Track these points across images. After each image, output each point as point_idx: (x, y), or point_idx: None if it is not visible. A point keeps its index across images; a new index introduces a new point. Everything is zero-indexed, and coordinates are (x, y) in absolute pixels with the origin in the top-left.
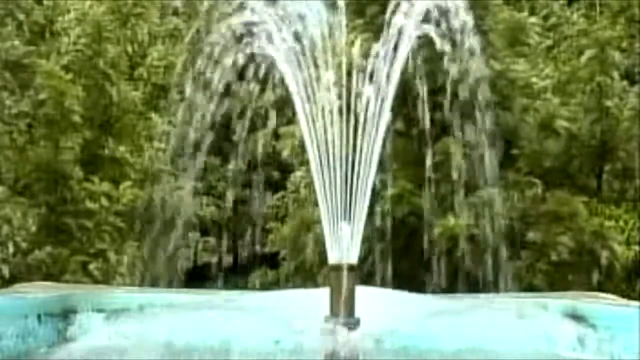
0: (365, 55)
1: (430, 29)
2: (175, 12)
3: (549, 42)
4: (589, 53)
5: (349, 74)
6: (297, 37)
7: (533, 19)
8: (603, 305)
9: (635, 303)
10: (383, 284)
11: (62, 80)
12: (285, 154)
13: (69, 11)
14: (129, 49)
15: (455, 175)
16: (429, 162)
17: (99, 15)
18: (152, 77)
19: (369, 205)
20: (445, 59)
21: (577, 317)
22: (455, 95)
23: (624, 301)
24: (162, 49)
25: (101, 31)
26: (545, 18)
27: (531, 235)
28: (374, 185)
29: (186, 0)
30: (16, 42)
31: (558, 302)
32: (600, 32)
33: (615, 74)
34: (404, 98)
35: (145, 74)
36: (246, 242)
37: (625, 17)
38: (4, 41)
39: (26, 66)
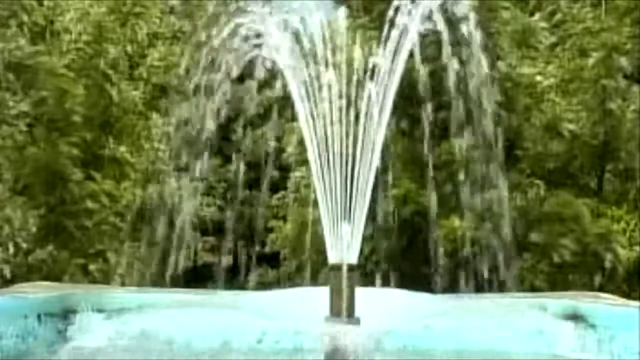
0: (368, 54)
1: (434, 28)
2: (173, 12)
3: (554, 39)
4: (596, 56)
5: (351, 73)
6: (298, 36)
7: (543, 24)
8: (603, 305)
9: (635, 303)
10: (386, 284)
11: (64, 79)
12: (289, 150)
13: (68, 11)
14: (129, 48)
15: (459, 176)
16: (433, 162)
17: (99, 15)
18: (152, 77)
19: (373, 205)
20: (450, 58)
21: (577, 317)
22: (459, 95)
23: (624, 301)
24: (162, 49)
25: (101, 31)
26: (551, 14)
27: (533, 237)
28: (378, 185)
29: (185, 0)
30: (21, 42)
31: (558, 302)
32: (606, 33)
33: (620, 77)
34: (409, 98)
35: (145, 74)
36: (246, 242)
37: (631, 19)
38: (8, 42)
39: (29, 66)
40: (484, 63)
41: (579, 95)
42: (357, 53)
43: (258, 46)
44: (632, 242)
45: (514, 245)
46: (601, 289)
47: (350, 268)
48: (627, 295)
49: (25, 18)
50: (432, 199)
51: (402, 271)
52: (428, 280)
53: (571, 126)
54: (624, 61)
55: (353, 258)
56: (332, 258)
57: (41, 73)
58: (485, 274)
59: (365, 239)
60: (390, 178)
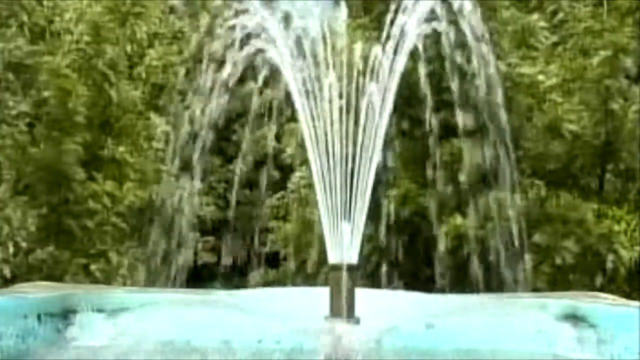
0: (368, 54)
1: (434, 28)
2: (173, 11)
3: (555, 39)
4: (603, 54)
5: (351, 73)
6: (298, 36)
7: (542, 23)
8: (603, 305)
9: (635, 303)
10: (387, 284)
11: (66, 79)
12: (289, 150)
13: (67, 11)
14: (128, 48)
15: (460, 176)
16: (434, 162)
17: (97, 14)
18: (152, 77)
19: (374, 205)
20: (451, 58)
21: (577, 317)
22: (460, 95)
23: (624, 301)
24: (161, 49)
25: (100, 31)
26: (553, 14)
27: (535, 238)
28: (379, 185)
29: (186, 0)
30: (21, 42)
31: (558, 302)
32: (610, 33)
33: (622, 78)
34: (409, 98)
35: (144, 74)
36: (246, 242)
37: (633, 19)
38: (8, 42)
39: (29, 66)
40: (487, 62)
41: (581, 96)
42: (357, 53)
43: (258, 46)
44: (632, 243)
45: (516, 246)
46: (602, 289)
47: (350, 268)
48: (628, 296)
49: (25, 18)
50: (433, 199)
51: (402, 271)
52: (428, 280)
53: (572, 126)
54: (629, 62)
55: (353, 258)
56: (332, 258)
57: (42, 73)
58: (486, 274)
59: (365, 239)
60: (390, 178)
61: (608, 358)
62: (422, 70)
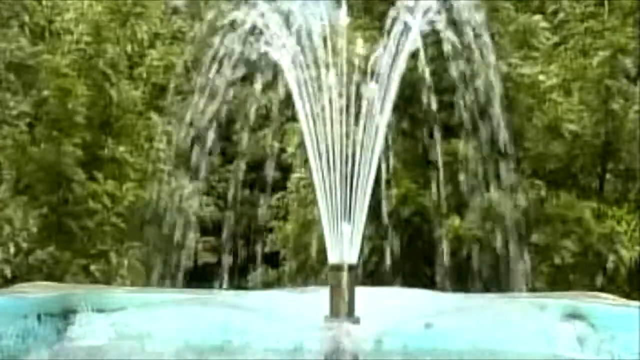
0: (368, 53)
1: (435, 28)
2: (175, 12)
3: (556, 39)
4: (602, 55)
5: (351, 73)
6: (299, 36)
7: (543, 23)
8: (603, 305)
9: (635, 303)
10: (387, 283)
11: (66, 79)
12: (289, 150)
13: (67, 10)
14: (129, 48)
15: (461, 176)
16: (434, 162)
17: (97, 14)
18: (152, 77)
19: (374, 205)
20: (452, 58)
21: (577, 317)
22: (461, 95)
23: (624, 301)
24: (161, 49)
25: (100, 31)
26: (554, 14)
27: (535, 238)
28: (380, 184)
29: (187, 0)
30: (22, 42)
31: (558, 302)
32: (610, 33)
33: (622, 78)
34: (410, 98)
35: (145, 74)
36: (246, 242)
37: (634, 19)
38: (9, 42)
39: (30, 67)
40: (487, 62)
41: (581, 96)
42: (357, 53)
43: (259, 46)
44: (633, 243)
45: (516, 246)
46: (602, 289)
47: (351, 268)
48: (628, 296)
49: (26, 18)
50: (433, 199)
51: (402, 271)
52: (429, 280)
53: (572, 126)
54: (629, 62)
55: (353, 258)
56: (332, 258)
57: (43, 73)
58: (486, 274)
59: (365, 239)
60: (390, 178)
61: (608, 358)
62: (423, 70)
